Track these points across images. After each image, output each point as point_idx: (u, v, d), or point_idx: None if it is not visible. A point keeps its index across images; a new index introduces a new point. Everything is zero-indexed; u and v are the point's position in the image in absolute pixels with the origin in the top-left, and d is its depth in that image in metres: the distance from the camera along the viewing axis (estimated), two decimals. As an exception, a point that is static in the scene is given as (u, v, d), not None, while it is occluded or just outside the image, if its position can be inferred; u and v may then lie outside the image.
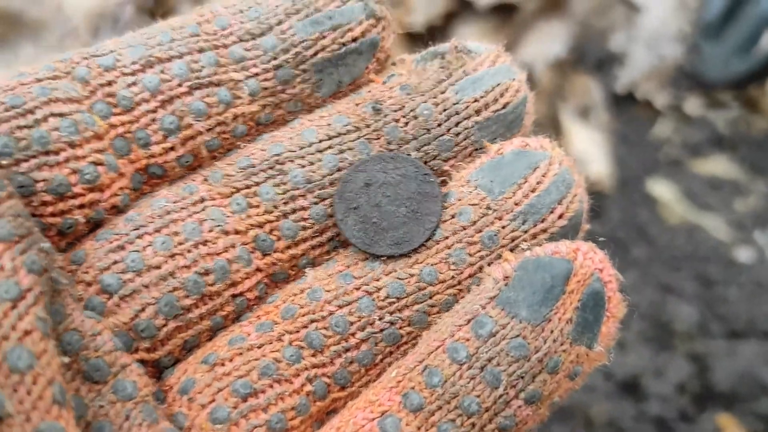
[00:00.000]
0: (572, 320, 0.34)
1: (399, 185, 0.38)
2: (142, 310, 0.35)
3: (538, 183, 0.37)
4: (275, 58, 0.39)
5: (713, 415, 1.06)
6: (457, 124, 0.38)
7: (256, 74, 0.39)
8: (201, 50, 0.38)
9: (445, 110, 0.38)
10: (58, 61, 0.37)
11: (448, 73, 0.39)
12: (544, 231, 0.37)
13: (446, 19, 1.47)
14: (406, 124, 0.39)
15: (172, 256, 0.36)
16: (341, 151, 0.38)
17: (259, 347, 0.36)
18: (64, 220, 0.35)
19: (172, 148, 0.38)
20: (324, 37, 0.39)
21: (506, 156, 0.37)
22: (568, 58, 1.52)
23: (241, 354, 0.36)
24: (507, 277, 0.35)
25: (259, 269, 0.38)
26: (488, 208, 0.36)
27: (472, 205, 0.37)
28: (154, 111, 0.37)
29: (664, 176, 1.47)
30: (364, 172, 0.38)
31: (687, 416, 1.06)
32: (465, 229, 0.37)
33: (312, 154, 0.38)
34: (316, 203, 0.38)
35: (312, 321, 0.36)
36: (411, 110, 0.39)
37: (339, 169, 0.38)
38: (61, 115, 0.35)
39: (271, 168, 0.38)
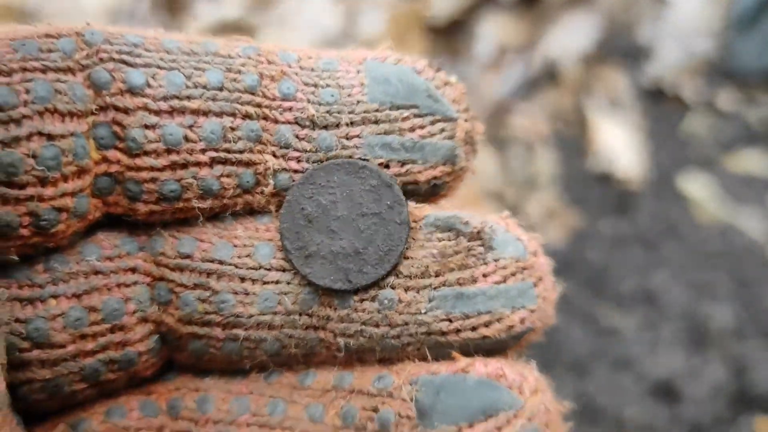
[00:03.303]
0: None
1: (361, 203, 0.31)
2: (28, 382, 0.29)
3: None
4: (321, 161, 0.31)
5: (751, 419, 1.02)
6: (411, 335, 0.30)
7: (294, 171, 0.31)
8: (246, 116, 0.30)
9: (405, 313, 0.30)
10: (82, 40, 0.29)
11: (439, 269, 0.30)
12: None
13: (468, 13, 1.45)
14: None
15: (82, 336, 0.29)
16: (283, 293, 0.31)
17: (136, 430, 0.31)
18: None
19: (159, 212, 0.31)
20: (388, 167, 0.31)
21: (468, 381, 0.29)
22: (595, 51, 1.49)
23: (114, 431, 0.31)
24: None
25: (163, 357, 0.32)
26: None
27: (398, 415, 0.29)
28: (159, 170, 0.30)
29: (696, 173, 1.43)
30: (324, 180, 0.31)
31: (723, 420, 1.02)
32: None
33: (253, 281, 0.31)
34: (232, 340, 0.31)
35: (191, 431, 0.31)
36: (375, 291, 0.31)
37: (273, 313, 0.31)
38: (50, 137, 0.28)
39: (205, 275, 0.31)
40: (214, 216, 0.32)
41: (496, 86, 1.44)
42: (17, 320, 0.29)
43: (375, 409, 0.29)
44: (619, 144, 1.41)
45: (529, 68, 1.46)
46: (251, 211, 0.32)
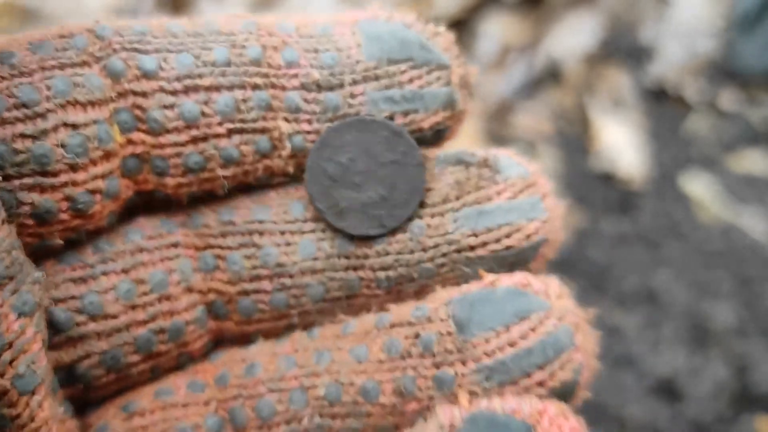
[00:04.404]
0: None
1: (377, 154, 0.34)
2: (86, 357, 0.32)
3: (521, 337, 0.30)
4: (331, 121, 0.34)
5: (752, 418, 1.02)
6: (443, 255, 0.33)
7: (307, 132, 0.34)
8: (255, 87, 0.33)
9: (435, 236, 0.33)
10: (94, 35, 0.32)
11: (457, 194, 0.33)
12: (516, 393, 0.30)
13: (471, 12, 1.45)
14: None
15: (133, 307, 0.32)
16: (320, 240, 0.34)
17: (183, 406, 0.33)
18: (40, 242, 0.31)
19: (187, 184, 0.33)
20: (392, 118, 0.34)
21: (497, 292, 0.32)
22: (598, 51, 1.49)
23: (163, 409, 0.33)
24: (453, 426, 0.29)
25: (211, 330, 0.35)
26: (453, 346, 0.31)
27: (439, 334, 0.31)
28: (182, 144, 0.32)
29: (698, 173, 1.43)
30: (338, 141, 0.34)
31: (725, 419, 1.02)
32: (423, 357, 0.31)
33: (293, 233, 0.34)
34: (279, 290, 0.34)
35: (241, 396, 0.33)
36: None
37: (314, 258, 0.34)
38: (74, 126, 0.30)
39: (248, 234, 0.34)
40: (245, 188, 0.35)
41: (498, 85, 1.44)
42: (72, 297, 0.31)
43: (416, 336, 0.32)
44: (622, 143, 1.41)
45: (532, 67, 1.46)
46: (272, 175, 0.35)
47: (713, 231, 1.31)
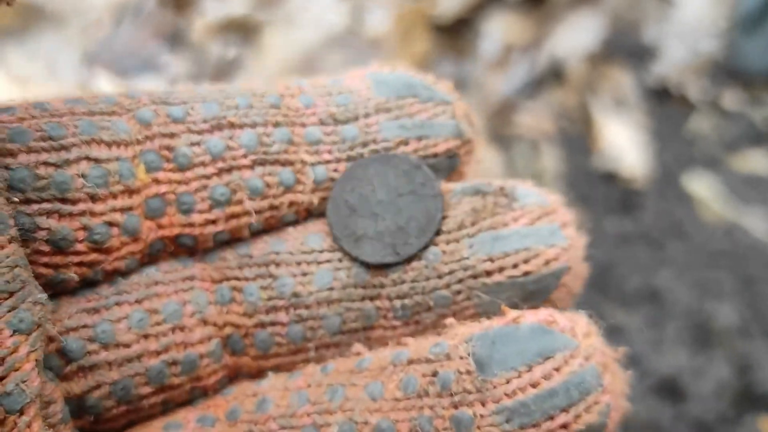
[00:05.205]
0: None
1: (397, 186, 0.35)
2: (97, 387, 0.32)
3: (544, 378, 0.29)
4: (351, 149, 0.35)
5: (755, 418, 1.02)
6: (459, 281, 0.33)
7: (327, 161, 0.35)
8: (276, 124, 0.35)
9: (450, 262, 0.33)
10: (124, 95, 0.34)
11: (473, 220, 0.34)
12: None
13: (473, 11, 1.44)
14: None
15: (145, 336, 0.32)
16: (337, 269, 0.34)
17: None
18: (56, 275, 0.31)
19: (213, 222, 0.34)
20: (407, 143, 0.36)
21: (521, 329, 0.30)
22: (600, 50, 1.49)
23: None
24: None
25: (226, 365, 0.35)
26: (473, 385, 0.30)
27: (458, 372, 0.30)
28: (208, 177, 0.34)
29: (701, 172, 1.43)
30: (362, 174, 0.35)
31: (728, 418, 1.02)
32: (440, 396, 0.30)
33: (309, 263, 0.34)
34: (296, 322, 0.34)
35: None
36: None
37: (330, 288, 0.34)
38: (97, 160, 0.31)
39: (264, 266, 0.34)
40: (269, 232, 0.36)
41: (501, 84, 1.44)
42: (84, 326, 0.32)
43: (434, 373, 0.31)
44: (624, 143, 1.40)
45: (535, 67, 1.46)
46: (297, 213, 0.36)
47: (716, 231, 1.31)
